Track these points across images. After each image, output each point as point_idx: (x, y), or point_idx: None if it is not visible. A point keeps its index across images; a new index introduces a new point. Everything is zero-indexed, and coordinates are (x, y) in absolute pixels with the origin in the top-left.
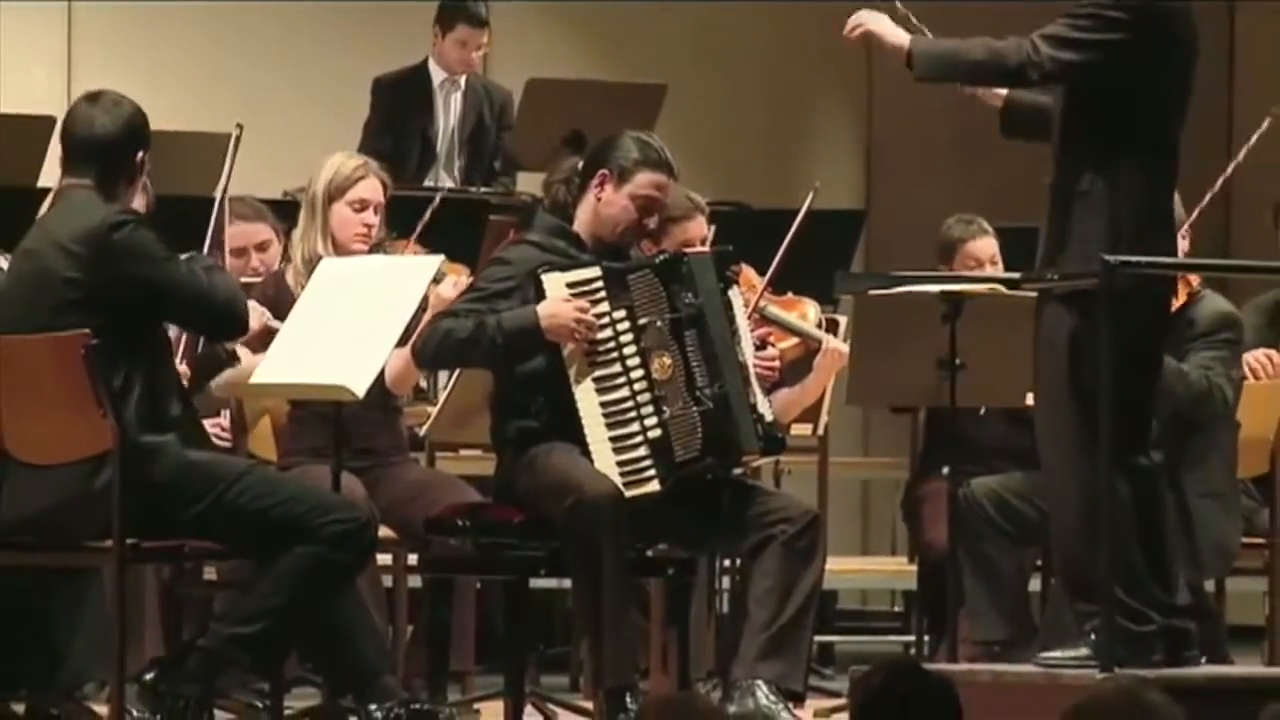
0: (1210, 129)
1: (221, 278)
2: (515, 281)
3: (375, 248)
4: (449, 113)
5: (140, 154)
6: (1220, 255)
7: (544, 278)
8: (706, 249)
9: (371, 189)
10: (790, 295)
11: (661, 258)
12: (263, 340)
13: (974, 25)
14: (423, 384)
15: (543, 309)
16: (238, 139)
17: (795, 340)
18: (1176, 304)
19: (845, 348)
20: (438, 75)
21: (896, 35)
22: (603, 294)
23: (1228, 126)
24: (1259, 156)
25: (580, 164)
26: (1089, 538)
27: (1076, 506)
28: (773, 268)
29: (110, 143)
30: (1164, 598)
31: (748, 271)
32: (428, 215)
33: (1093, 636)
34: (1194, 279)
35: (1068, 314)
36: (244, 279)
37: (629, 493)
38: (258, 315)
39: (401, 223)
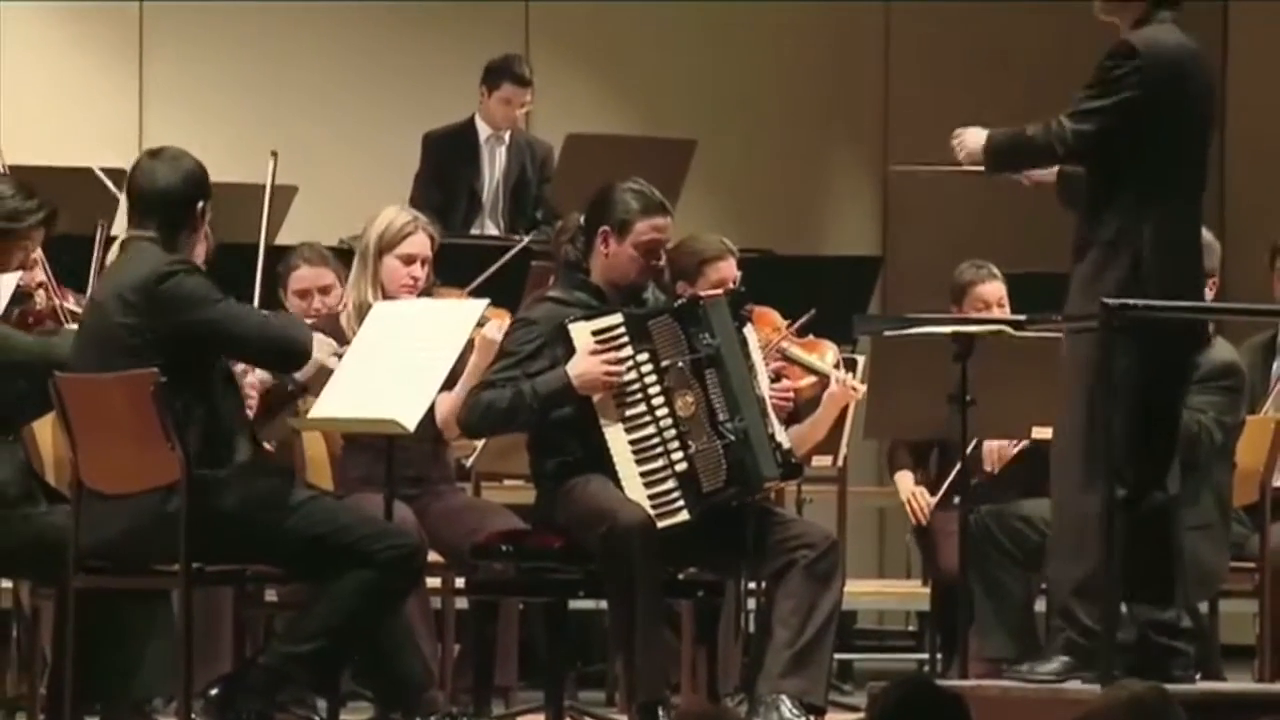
0: None
1: (275, 314)
2: (543, 339)
3: (424, 294)
4: (494, 166)
5: (201, 204)
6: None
7: (571, 327)
8: (721, 291)
9: (419, 244)
10: (811, 338)
11: (679, 302)
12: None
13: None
14: None
15: (572, 369)
16: (275, 177)
17: (815, 379)
18: None
19: (855, 383)
20: (484, 131)
21: (978, 142)
22: (626, 339)
23: (1220, 126)
24: (1254, 199)
25: (583, 220)
26: (1075, 558)
27: (1073, 529)
28: (803, 319)
29: (172, 195)
30: (1159, 617)
31: (772, 314)
32: (505, 259)
33: (1060, 654)
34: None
35: (1091, 352)
36: (306, 319)
37: (660, 524)
38: (326, 347)
39: (451, 269)
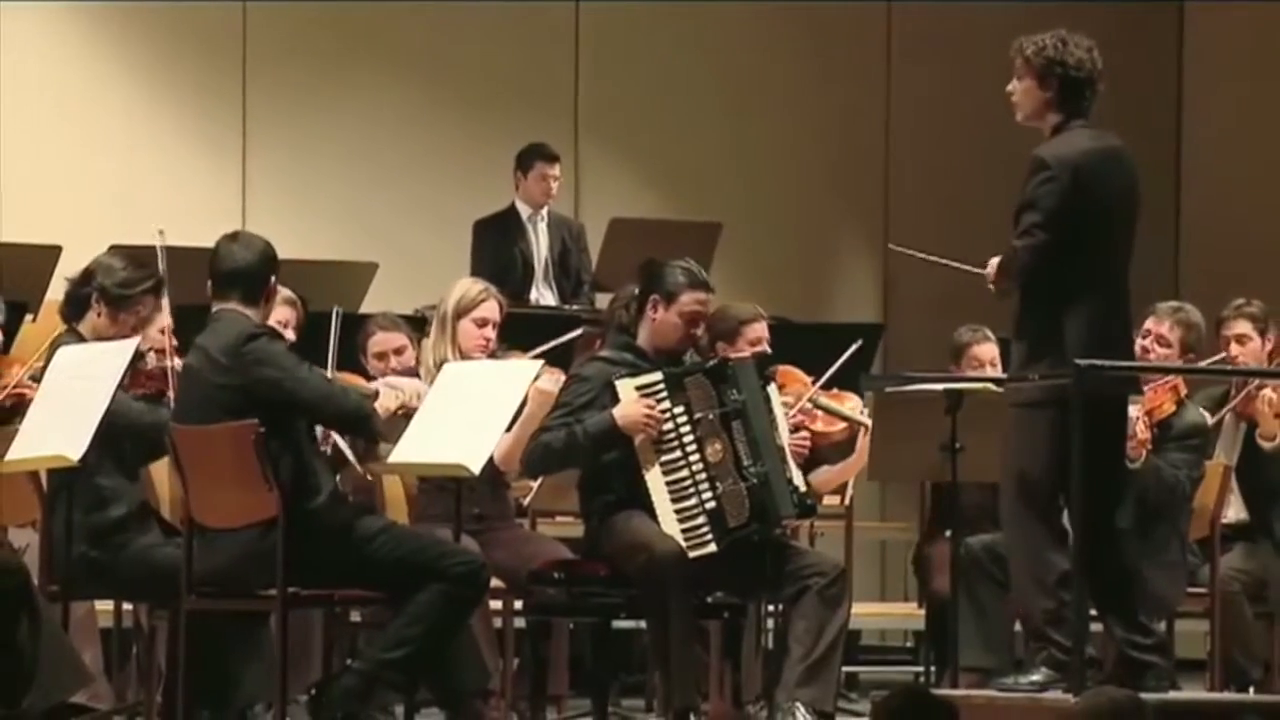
0: (1160, 129)
1: (345, 389)
2: (594, 393)
3: (491, 356)
4: (540, 240)
5: (272, 278)
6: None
7: (617, 383)
8: (749, 354)
9: (491, 310)
10: (836, 390)
11: (711, 363)
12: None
13: (987, 33)
14: None
15: (617, 412)
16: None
17: (844, 425)
18: (1166, 413)
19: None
20: (525, 210)
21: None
22: (664, 394)
23: (1176, 127)
24: (1207, 264)
25: (636, 290)
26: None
27: (1025, 568)
28: (828, 374)
29: (248, 271)
30: (1135, 636)
31: (796, 371)
32: (569, 336)
33: (1042, 666)
34: (1182, 388)
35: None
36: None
37: (691, 554)
38: (394, 395)
39: (511, 333)
